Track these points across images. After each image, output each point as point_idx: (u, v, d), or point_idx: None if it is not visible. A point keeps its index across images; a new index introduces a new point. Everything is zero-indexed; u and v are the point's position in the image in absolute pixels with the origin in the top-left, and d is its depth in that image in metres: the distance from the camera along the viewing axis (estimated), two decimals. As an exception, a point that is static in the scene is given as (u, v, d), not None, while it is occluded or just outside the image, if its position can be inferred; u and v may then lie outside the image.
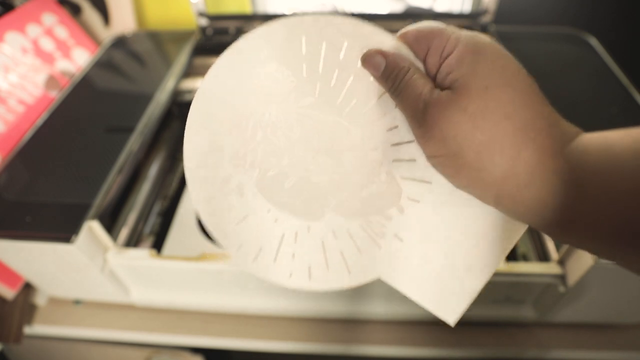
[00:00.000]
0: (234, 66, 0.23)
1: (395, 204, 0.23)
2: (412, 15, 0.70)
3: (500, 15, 0.68)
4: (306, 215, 0.24)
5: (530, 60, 0.62)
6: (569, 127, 0.20)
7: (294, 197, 0.23)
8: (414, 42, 0.21)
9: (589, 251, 0.20)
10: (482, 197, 0.21)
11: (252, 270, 0.24)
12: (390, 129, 0.22)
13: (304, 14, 0.21)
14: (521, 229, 0.22)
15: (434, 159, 0.21)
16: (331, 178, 0.23)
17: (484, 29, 0.68)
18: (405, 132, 0.22)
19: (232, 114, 0.23)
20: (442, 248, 0.23)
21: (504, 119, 0.19)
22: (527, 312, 0.50)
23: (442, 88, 0.20)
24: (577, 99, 0.53)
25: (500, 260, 0.23)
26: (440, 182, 0.22)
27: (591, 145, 0.19)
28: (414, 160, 0.22)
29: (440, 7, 0.74)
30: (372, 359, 0.55)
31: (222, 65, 0.23)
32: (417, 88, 0.20)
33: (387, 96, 0.22)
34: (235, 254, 0.24)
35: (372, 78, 0.22)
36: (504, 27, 0.69)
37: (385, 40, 0.21)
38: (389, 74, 0.21)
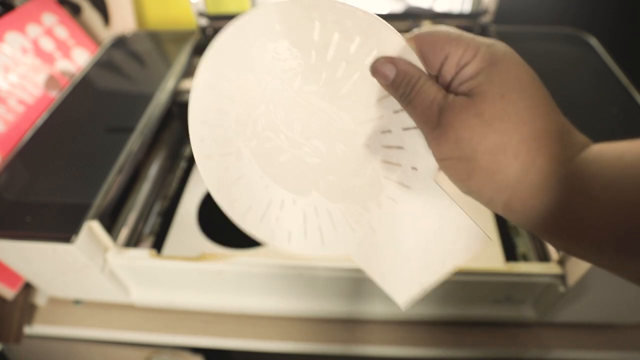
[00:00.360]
0: (246, 34, 0.23)
1: (375, 199, 0.25)
2: (412, 15, 0.70)
3: (500, 15, 0.68)
4: (294, 190, 0.26)
5: (531, 60, 0.62)
6: (580, 136, 0.21)
7: (287, 172, 0.26)
8: (430, 48, 0.21)
9: (594, 262, 0.19)
10: (491, 202, 0.21)
11: (242, 224, 0.27)
12: (384, 132, 0.23)
13: None
14: (482, 243, 0.24)
15: (445, 161, 0.21)
16: (322, 162, 0.25)
17: (483, 29, 0.68)
18: (396, 138, 0.23)
19: (238, 81, 0.24)
20: (406, 243, 0.26)
21: (521, 125, 0.19)
22: (527, 312, 0.50)
23: (457, 94, 0.20)
24: (577, 99, 0.53)
25: (452, 267, 0.25)
26: (418, 189, 0.24)
27: (602, 155, 0.19)
28: (399, 165, 0.24)
29: (440, 7, 0.74)
30: (372, 358, 0.55)
31: (235, 29, 0.23)
32: (430, 94, 0.21)
33: (387, 100, 0.23)
34: (228, 208, 0.27)
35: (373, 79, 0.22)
36: (503, 27, 0.69)
37: (396, 42, 0.21)
38: (399, 83, 0.21)
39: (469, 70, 0.20)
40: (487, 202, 0.21)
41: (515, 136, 0.19)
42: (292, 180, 0.26)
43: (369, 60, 0.22)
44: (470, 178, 0.20)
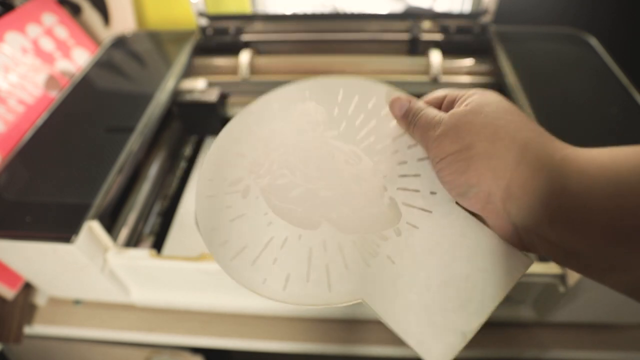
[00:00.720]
0: (282, 96, 0.28)
1: (393, 226, 0.23)
2: (412, 15, 0.70)
3: (500, 15, 0.68)
4: (302, 224, 0.24)
5: (531, 60, 0.62)
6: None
7: (296, 205, 0.24)
8: (434, 101, 0.26)
9: (586, 260, 0.19)
10: (491, 194, 0.21)
11: (227, 269, 0.24)
12: (400, 163, 0.25)
13: (348, 77, 0.28)
14: (523, 265, 0.22)
15: (445, 159, 0.22)
16: (336, 194, 0.24)
17: (483, 28, 0.68)
18: (412, 167, 0.25)
19: (263, 132, 0.27)
20: (436, 277, 0.22)
21: (516, 116, 0.22)
22: (527, 312, 0.50)
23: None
24: (577, 99, 0.53)
25: (499, 299, 0.22)
26: (441, 211, 0.23)
27: (583, 152, 0.20)
28: (417, 190, 0.24)
29: (440, 7, 0.74)
30: (371, 359, 0.55)
31: (274, 93, 0.28)
32: (431, 114, 0.24)
33: (401, 138, 0.26)
34: (216, 250, 0.24)
35: (392, 124, 0.26)
36: (503, 27, 0.69)
37: (404, 101, 0.27)
38: (409, 111, 0.26)
39: (464, 100, 0.24)
40: (486, 197, 0.21)
41: (511, 126, 0.21)
42: (301, 214, 0.24)
43: (383, 112, 0.27)
44: (469, 168, 0.21)
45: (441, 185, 0.24)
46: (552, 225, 0.19)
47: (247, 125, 0.28)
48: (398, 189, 0.24)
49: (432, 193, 0.24)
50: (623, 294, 0.19)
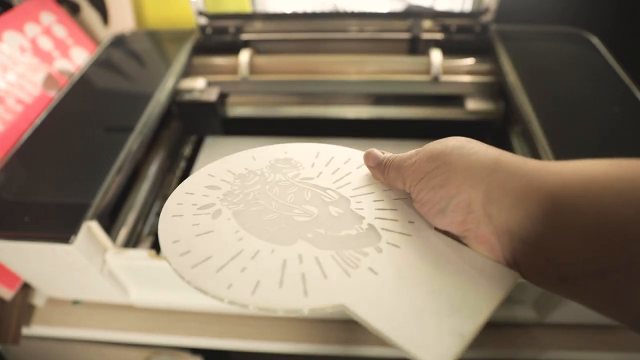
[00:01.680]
0: (258, 152, 0.30)
1: (374, 246, 0.23)
2: (413, 14, 0.70)
3: (501, 15, 0.68)
4: (276, 241, 0.24)
5: (532, 59, 0.62)
6: None
7: (269, 227, 0.24)
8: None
9: (568, 267, 0.19)
10: (471, 202, 0.21)
11: (187, 277, 0.22)
12: (376, 201, 0.27)
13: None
14: (511, 277, 0.22)
15: (423, 179, 0.24)
16: (313, 220, 0.25)
17: (484, 28, 0.68)
18: (389, 204, 0.26)
19: (241, 170, 0.29)
20: (424, 285, 0.21)
21: (481, 144, 0.24)
22: (527, 313, 0.50)
23: None
24: (578, 98, 0.53)
25: (494, 304, 0.22)
26: (421, 235, 0.24)
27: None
28: (396, 220, 0.25)
29: (440, 6, 0.74)
30: (371, 359, 0.54)
31: (251, 150, 0.31)
32: (404, 158, 0.26)
33: (376, 184, 0.28)
34: (175, 259, 0.23)
35: (366, 174, 0.28)
36: (504, 26, 0.69)
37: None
38: (382, 161, 0.27)
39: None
40: (467, 206, 0.22)
41: (481, 146, 0.23)
42: (275, 233, 0.24)
43: (358, 167, 0.29)
44: (448, 181, 0.22)
45: (418, 216, 0.25)
46: (534, 224, 0.19)
47: (222, 168, 0.29)
48: (376, 218, 0.25)
49: (411, 222, 0.25)
50: (598, 310, 0.20)
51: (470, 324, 0.20)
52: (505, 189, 0.20)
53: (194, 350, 0.57)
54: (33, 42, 0.65)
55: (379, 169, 0.27)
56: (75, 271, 0.46)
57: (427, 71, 0.66)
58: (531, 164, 0.21)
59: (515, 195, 0.20)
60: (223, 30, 0.72)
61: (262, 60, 0.69)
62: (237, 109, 0.70)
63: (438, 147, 0.24)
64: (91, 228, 0.44)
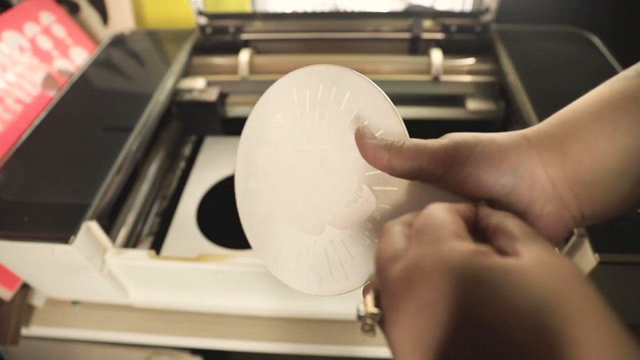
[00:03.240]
0: (257, 120, 0.30)
1: (371, 212, 0.25)
2: (414, 13, 0.70)
3: (502, 14, 0.68)
4: (311, 230, 0.27)
5: (532, 59, 0.62)
6: None
7: (303, 214, 0.28)
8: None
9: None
10: (533, 166, 0.21)
11: (282, 279, 0.29)
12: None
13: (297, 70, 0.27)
14: None
15: (470, 157, 0.21)
16: (326, 198, 0.27)
17: (484, 27, 0.68)
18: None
19: (260, 160, 0.30)
20: None
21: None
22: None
23: None
24: (579, 97, 0.52)
25: None
26: (402, 187, 0.24)
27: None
28: (382, 174, 0.25)
29: (441, 6, 0.74)
30: (371, 359, 0.54)
31: (250, 120, 0.30)
32: (424, 141, 0.23)
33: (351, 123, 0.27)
34: (272, 266, 0.29)
35: (341, 107, 0.26)
36: (505, 26, 0.69)
37: (357, 81, 0.26)
38: (389, 142, 0.23)
39: None
40: (531, 172, 0.21)
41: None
42: (307, 221, 0.28)
43: (332, 97, 0.26)
44: (504, 153, 0.21)
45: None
46: (591, 153, 0.20)
47: (245, 156, 0.31)
48: (366, 174, 0.26)
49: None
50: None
51: None
52: (550, 144, 0.21)
53: (194, 351, 0.57)
54: (32, 41, 0.65)
55: (384, 148, 0.22)
56: (75, 271, 0.46)
57: (428, 71, 0.65)
58: (545, 125, 0.22)
59: (560, 147, 0.20)
60: (223, 30, 0.72)
61: (262, 60, 0.69)
62: (237, 109, 0.70)
63: (459, 134, 0.22)
64: (91, 228, 0.44)
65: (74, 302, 0.56)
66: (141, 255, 0.46)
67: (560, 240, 0.22)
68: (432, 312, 0.15)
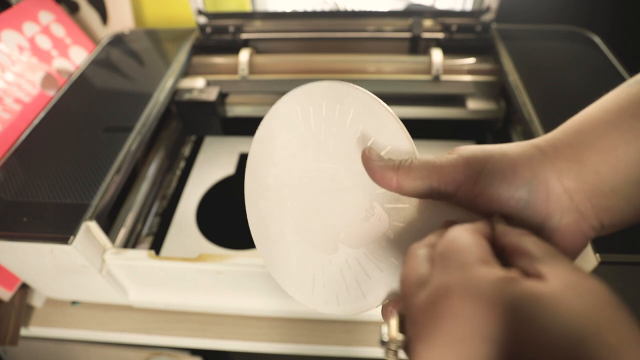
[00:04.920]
0: (264, 139, 0.29)
1: (384, 230, 0.25)
2: (414, 13, 0.69)
3: (502, 14, 0.68)
4: (325, 249, 0.27)
5: (533, 58, 0.62)
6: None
7: (316, 234, 0.27)
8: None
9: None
10: (547, 179, 0.20)
11: (300, 299, 0.29)
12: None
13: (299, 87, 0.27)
14: None
15: (482, 172, 0.21)
16: (338, 215, 0.26)
17: (485, 27, 0.68)
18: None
19: (269, 180, 0.29)
20: None
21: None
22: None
23: None
24: (580, 97, 0.52)
25: None
26: (414, 204, 0.24)
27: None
28: (391, 192, 0.25)
29: (441, 5, 0.74)
30: (370, 359, 0.54)
31: (257, 138, 0.29)
32: (432, 158, 0.22)
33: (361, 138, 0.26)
34: (289, 287, 0.29)
35: (346, 125, 0.26)
36: (505, 25, 0.68)
37: (359, 96, 0.25)
38: (396, 162, 0.23)
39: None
40: (546, 184, 0.20)
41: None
42: (322, 241, 0.27)
43: (336, 115, 0.26)
44: (516, 167, 0.20)
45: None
46: (608, 162, 0.19)
47: (253, 176, 0.30)
48: (377, 193, 0.25)
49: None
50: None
51: None
52: (565, 155, 0.20)
53: (194, 351, 0.57)
54: (31, 41, 0.64)
55: (393, 169, 0.22)
56: (74, 272, 0.46)
57: (428, 71, 0.65)
58: (559, 133, 0.21)
59: (576, 157, 0.20)
60: (222, 30, 0.72)
61: (262, 60, 0.69)
62: (237, 109, 0.70)
63: (468, 148, 0.22)
64: (90, 228, 0.43)
65: (73, 303, 0.56)
66: (141, 256, 0.46)
67: (581, 250, 0.21)
68: (464, 348, 0.14)
